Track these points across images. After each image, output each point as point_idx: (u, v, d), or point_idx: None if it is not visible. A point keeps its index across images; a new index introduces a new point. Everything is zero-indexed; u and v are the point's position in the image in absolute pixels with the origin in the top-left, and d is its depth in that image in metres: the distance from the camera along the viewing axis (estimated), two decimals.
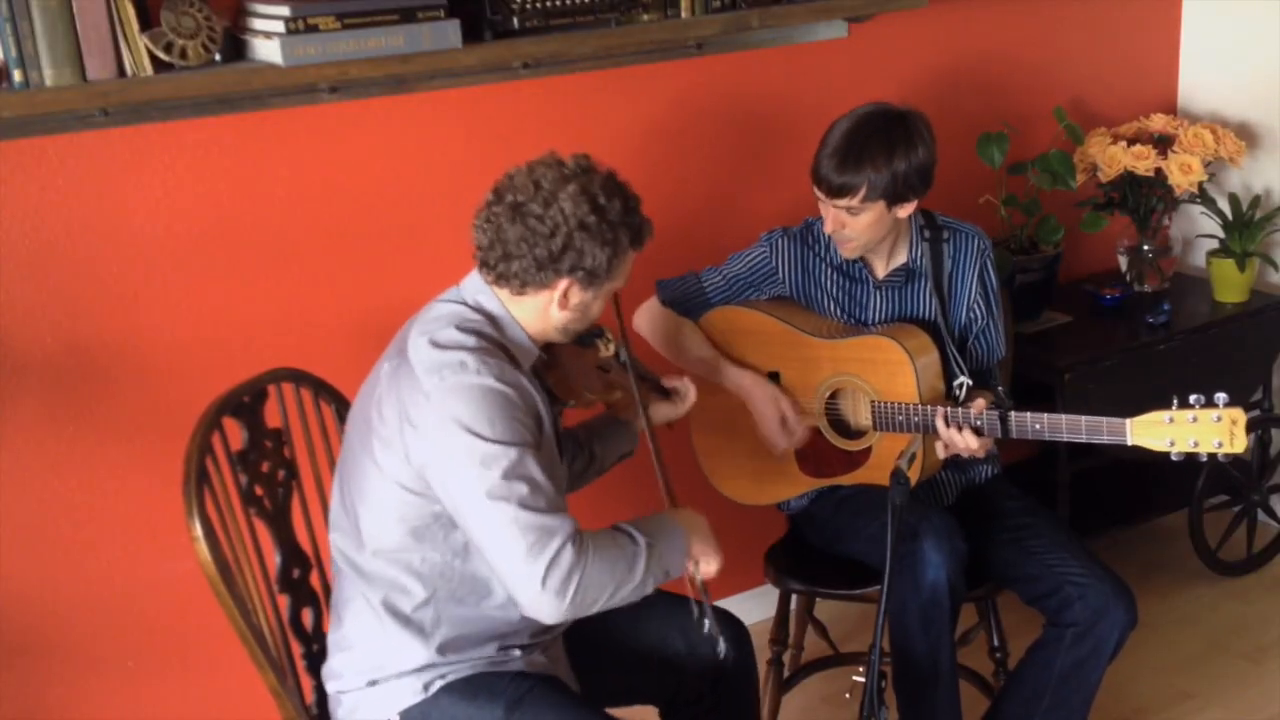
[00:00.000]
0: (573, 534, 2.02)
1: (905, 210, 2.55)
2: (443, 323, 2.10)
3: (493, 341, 2.09)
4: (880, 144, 2.48)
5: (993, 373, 2.73)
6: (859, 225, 2.54)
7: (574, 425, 2.46)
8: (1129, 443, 2.33)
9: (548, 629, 2.23)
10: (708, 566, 2.23)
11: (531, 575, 1.98)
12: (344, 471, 2.19)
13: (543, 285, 2.08)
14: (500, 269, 2.08)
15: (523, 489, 1.99)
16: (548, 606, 2.00)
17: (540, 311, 2.12)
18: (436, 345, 2.05)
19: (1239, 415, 2.24)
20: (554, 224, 2.03)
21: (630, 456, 2.50)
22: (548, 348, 2.21)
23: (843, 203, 2.51)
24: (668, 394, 2.47)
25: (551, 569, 1.98)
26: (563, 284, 2.08)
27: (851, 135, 2.49)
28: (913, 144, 2.50)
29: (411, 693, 2.13)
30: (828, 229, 2.58)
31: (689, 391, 2.48)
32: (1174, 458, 2.30)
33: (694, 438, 2.81)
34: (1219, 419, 2.25)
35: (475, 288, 2.15)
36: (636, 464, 2.51)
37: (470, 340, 2.06)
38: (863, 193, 2.48)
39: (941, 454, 2.51)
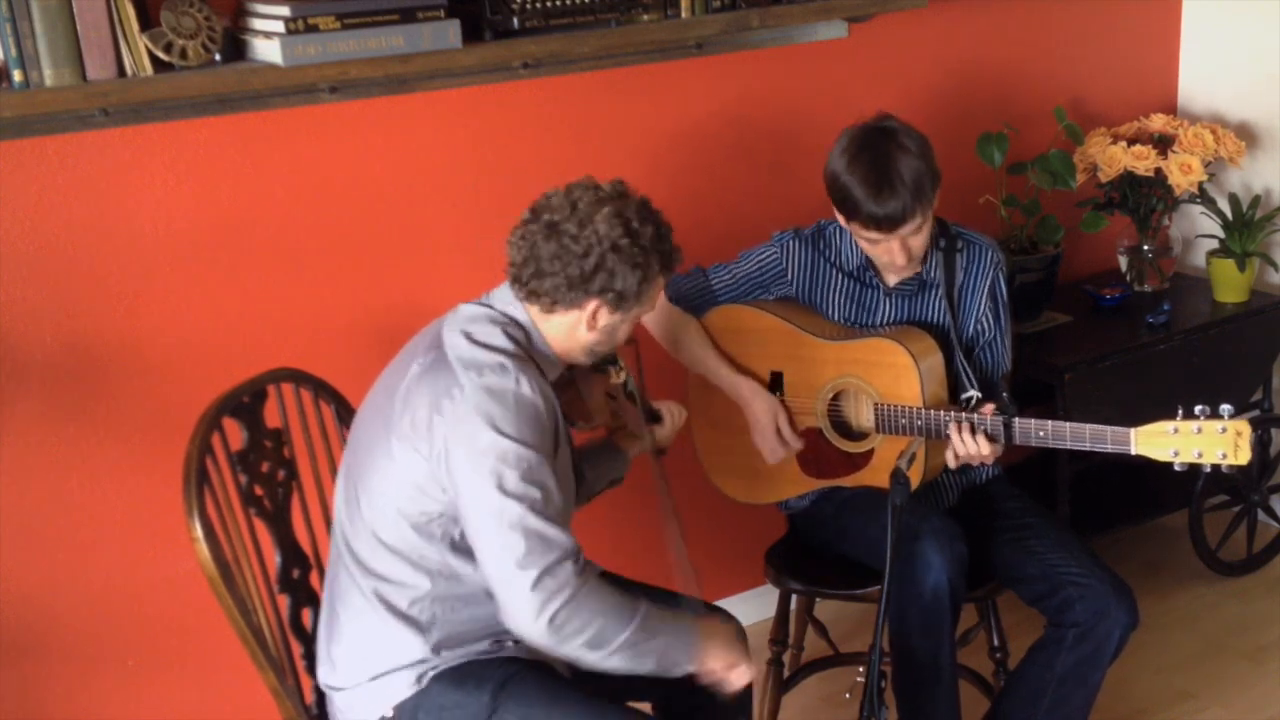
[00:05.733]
0: (574, 552, 2.03)
1: (935, 201, 2.54)
2: (480, 323, 2.13)
3: (525, 351, 2.12)
4: (900, 157, 2.45)
5: (997, 386, 2.72)
6: (921, 240, 2.54)
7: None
8: (1133, 452, 2.33)
9: None
10: (739, 679, 2.20)
11: (523, 580, 1.99)
12: (351, 465, 2.20)
13: (572, 304, 2.11)
14: (532, 285, 2.10)
15: (536, 494, 2.01)
16: (528, 617, 2.01)
17: (568, 331, 2.15)
18: (477, 343, 2.08)
19: (1244, 427, 2.24)
20: (588, 244, 2.06)
21: (619, 484, 2.52)
22: (566, 368, 2.23)
23: (906, 229, 2.49)
24: (660, 420, 2.49)
25: (544, 579, 1.99)
26: (592, 305, 2.11)
27: (875, 168, 2.45)
28: (913, 137, 2.48)
29: (405, 685, 2.14)
30: (899, 261, 2.54)
31: (678, 417, 2.49)
32: (1177, 468, 2.30)
33: (695, 434, 2.81)
34: (1224, 430, 2.24)
35: (505, 300, 2.17)
36: (643, 498, 2.51)
37: (511, 346, 2.10)
38: (920, 210, 2.47)
39: (953, 464, 2.51)
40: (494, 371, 2.05)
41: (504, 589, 2.02)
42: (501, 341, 2.10)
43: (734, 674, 2.20)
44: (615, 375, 2.33)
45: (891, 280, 2.66)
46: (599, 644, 2.05)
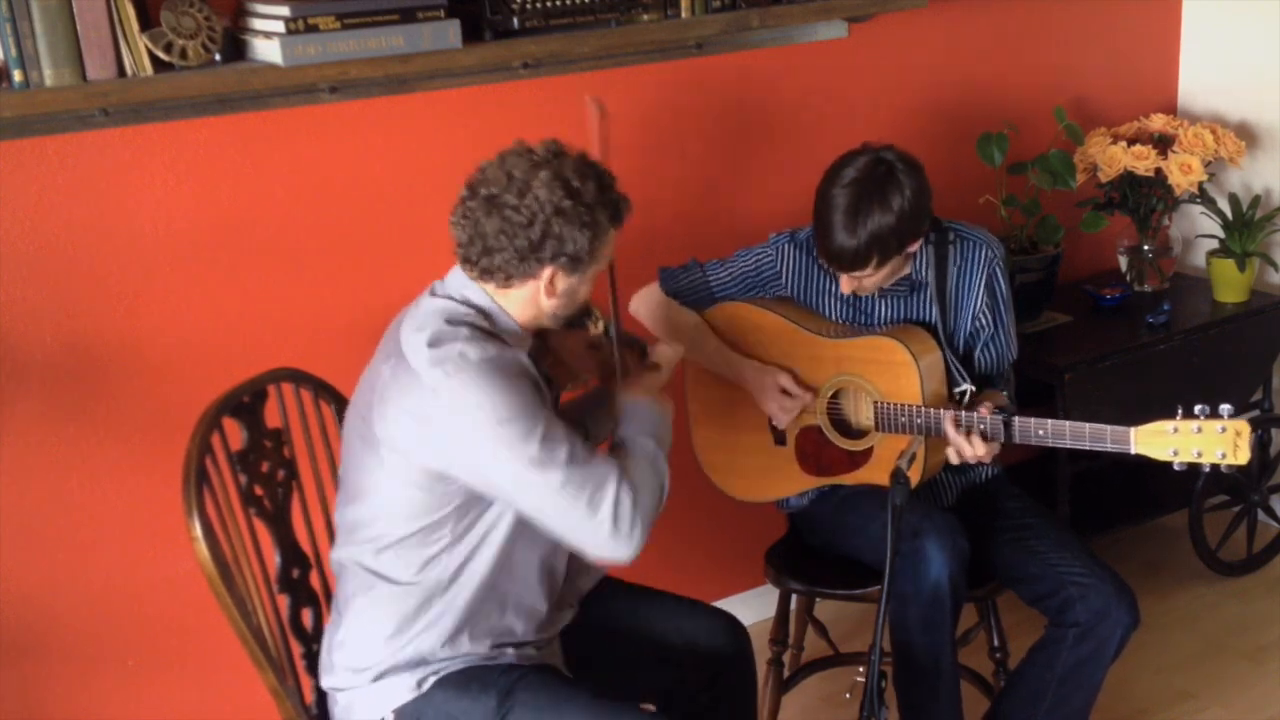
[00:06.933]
0: (621, 472, 2.06)
1: (914, 246, 2.56)
2: (433, 318, 2.09)
3: (485, 333, 2.09)
4: (879, 211, 2.44)
5: (1002, 377, 2.72)
6: (877, 279, 2.56)
7: (564, 404, 2.45)
8: (1132, 452, 2.33)
9: (546, 629, 2.24)
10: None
11: (600, 525, 2.02)
12: (347, 473, 2.19)
13: (528, 275, 2.08)
14: (483, 264, 2.08)
15: (562, 448, 2.02)
16: (623, 549, 2.05)
17: (529, 302, 2.12)
18: (431, 342, 2.05)
19: (1243, 427, 2.24)
20: (530, 213, 2.03)
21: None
22: (539, 334, 2.21)
23: (859, 274, 2.52)
24: (644, 350, 2.44)
25: (618, 512, 2.02)
26: (547, 272, 2.08)
27: (850, 212, 2.45)
28: (904, 192, 2.46)
29: (405, 689, 2.13)
30: (845, 290, 2.60)
31: (671, 359, 2.42)
32: (1177, 468, 2.30)
33: (695, 433, 2.81)
34: (1223, 430, 2.24)
35: (460, 284, 2.14)
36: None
37: (463, 331, 2.06)
38: (875, 262, 2.49)
39: (954, 459, 2.51)
40: (454, 362, 2.01)
41: (586, 541, 2.06)
42: (452, 331, 2.06)
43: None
44: (594, 326, 2.30)
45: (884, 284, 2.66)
46: (659, 508, 2.13)
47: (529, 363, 2.10)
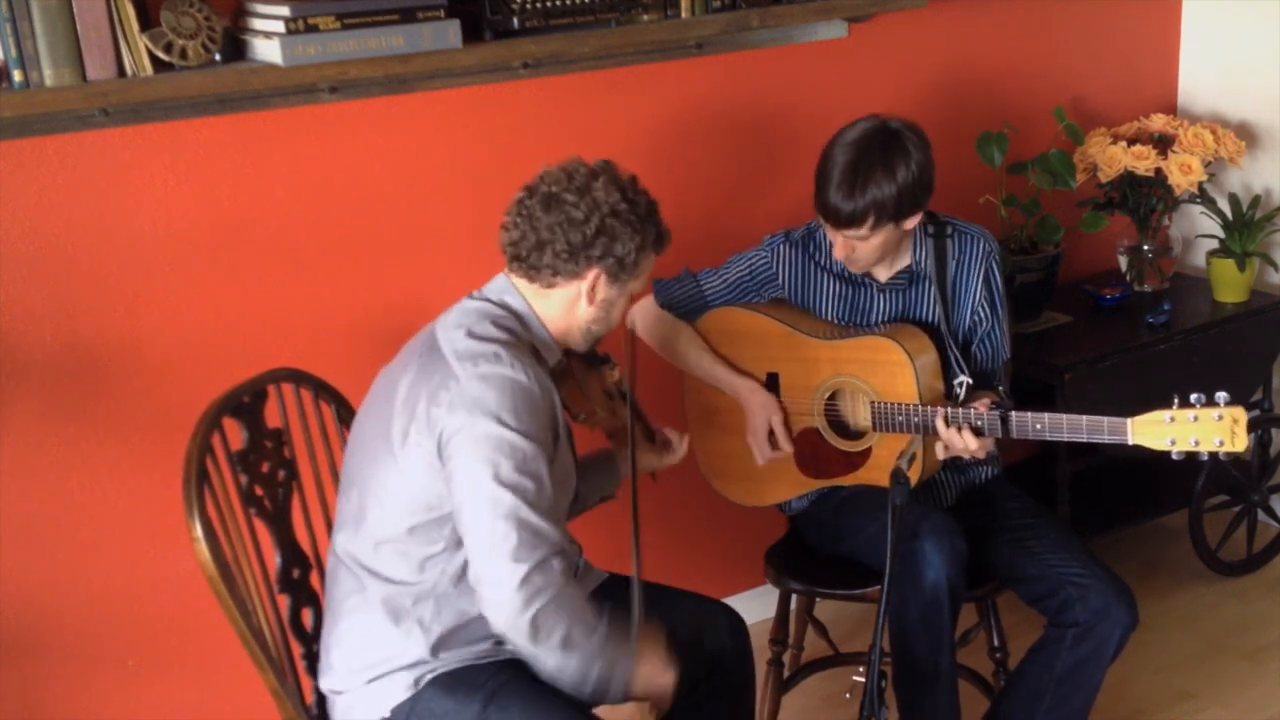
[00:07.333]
0: (564, 549, 2.03)
1: (912, 222, 2.55)
2: (475, 317, 2.14)
3: (522, 340, 2.13)
4: (881, 169, 2.46)
5: (996, 374, 2.73)
6: (870, 248, 2.55)
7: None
8: (1130, 442, 2.33)
9: None
10: (662, 703, 2.18)
11: (511, 573, 1.99)
12: (353, 466, 2.20)
13: (573, 275, 2.12)
14: (532, 259, 2.12)
15: (530, 485, 2.01)
16: (511, 613, 2.00)
17: (567, 308, 2.16)
18: (472, 336, 2.09)
19: (1240, 414, 2.24)
20: (588, 209, 2.10)
21: (611, 499, 2.51)
22: (565, 353, 2.24)
23: (852, 233, 2.52)
24: (653, 438, 2.50)
25: (532, 575, 1.99)
26: (593, 274, 2.13)
27: (852, 167, 2.47)
28: (909, 159, 2.48)
29: (403, 687, 2.14)
30: (839, 255, 2.59)
31: (680, 448, 2.51)
32: (1175, 457, 2.30)
33: (693, 438, 2.81)
34: (1220, 418, 2.24)
35: (499, 289, 2.19)
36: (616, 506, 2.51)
37: (504, 335, 2.11)
38: (871, 222, 2.49)
39: (941, 455, 2.51)
40: (488, 360, 2.05)
41: (490, 582, 2.02)
42: (494, 332, 2.10)
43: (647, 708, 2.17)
44: (610, 374, 2.34)
45: (882, 277, 2.66)
46: (567, 645, 2.04)
47: (555, 397, 2.13)
